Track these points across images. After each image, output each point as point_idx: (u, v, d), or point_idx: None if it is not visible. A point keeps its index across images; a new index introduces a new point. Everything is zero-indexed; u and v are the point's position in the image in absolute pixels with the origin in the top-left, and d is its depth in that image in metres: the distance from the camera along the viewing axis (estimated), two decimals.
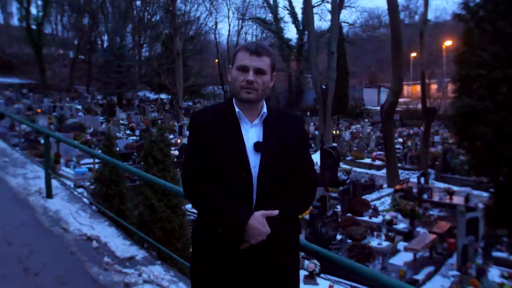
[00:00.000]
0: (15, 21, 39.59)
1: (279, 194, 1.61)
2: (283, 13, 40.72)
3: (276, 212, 1.56)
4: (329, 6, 29.04)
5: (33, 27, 33.22)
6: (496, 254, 7.65)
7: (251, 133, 1.65)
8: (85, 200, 5.49)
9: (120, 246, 3.77)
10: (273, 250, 1.60)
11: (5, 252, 3.52)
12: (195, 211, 1.75)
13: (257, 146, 1.62)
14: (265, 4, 41.38)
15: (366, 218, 9.31)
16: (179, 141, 16.54)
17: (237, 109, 1.67)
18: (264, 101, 1.71)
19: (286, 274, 1.68)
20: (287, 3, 39.34)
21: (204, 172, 1.63)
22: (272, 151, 1.63)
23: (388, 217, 8.96)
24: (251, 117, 1.67)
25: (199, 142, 1.66)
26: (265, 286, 1.63)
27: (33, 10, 34.09)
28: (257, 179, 1.60)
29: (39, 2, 34.28)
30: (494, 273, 6.86)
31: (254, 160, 1.61)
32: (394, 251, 7.84)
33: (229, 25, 64.10)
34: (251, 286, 1.62)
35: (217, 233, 1.60)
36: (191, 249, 1.83)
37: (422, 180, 12.29)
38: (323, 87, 19.77)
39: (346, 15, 38.65)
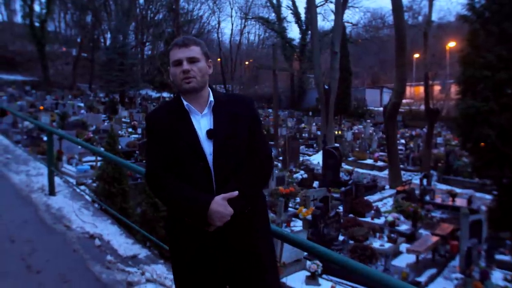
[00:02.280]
0: (18, 18, 39.59)
1: (237, 176, 1.70)
2: (286, 12, 40.74)
3: (235, 193, 1.65)
4: (332, 6, 28.99)
5: (36, 24, 33.19)
6: (499, 257, 7.61)
7: (203, 123, 1.73)
8: (87, 197, 5.47)
9: (123, 244, 3.75)
10: (241, 227, 1.69)
11: (7, 249, 3.50)
12: None
13: (209, 133, 1.70)
14: (268, 4, 41.36)
15: (368, 219, 9.27)
16: None
17: (185, 103, 1.74)
18: (210, 90, 1.80)
19: (259, 250, 1.75)
20: (290, 2, 39.43)
21: (165, 167, 1.72)
22: (224, 136, 1.70)
23: (390, 218, 8.92)
24: (200, 108, 1.75)
25: (156, 140, 1.75)
26: (242, 266, 1.71)
27: (37, 8, 34.06)
28: (213, 165, 1.68)
29: (43, 0, 34.33)
30: (497, 276, 6.82)
31: (208, 147, 1.69)
32: (397, 253, 7.80)
33: (232, 24, 64.16)
34: (228, 268, 1.71)
35: (186, 222, 1.70)
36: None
37: (425, 181, 12.24)
38: (326, 87, 19.75)
39: (349, 15, 38.49)
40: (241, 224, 1.69)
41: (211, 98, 1.77)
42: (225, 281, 1.75)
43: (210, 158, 1.68)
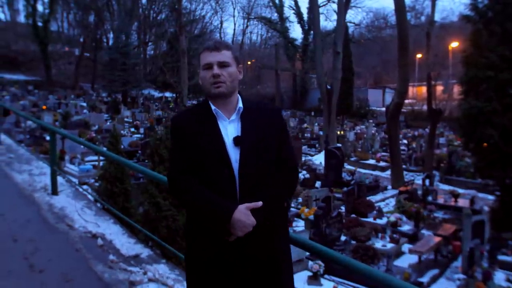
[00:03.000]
0: (21, 18, 39.83)
1: (262, 185, 1.65)
2: (289, 12, 40.93)
3: (260, 203, 1.60)
4: (335, 6, 28.96)
5: (39, 24, 33.29)
6: (501, 257, 7.59)
7: (230, 129, 1.68)
8: (90, 197, 5.48)
9: (125, 244, 3.76)
10: (261, 239, 1.64)
11: (10, 248, 3.51)
12: None
13: (236, 140, 1.65)
14: (270, 4, 41.36)
15: (370, 220, 9.27)
16: None
17: (213, 107, 1.71)
18: (239, 96, 1.76)
19: (277, 263, 1.71)
20: (292, 2, 39.43)
21: (188, 171, 1.68)
22: (251, 144, 1.66)
23: (392, 218, 8.91)
24: (228, 113, 1.71)
25: (181, 144, 1.72)
26: (259, 276, 1.66)
27: (40, 7, 34.23)
28: (238, 173, 1.64)
29: (46, 0, 34.41)
30: (500, 277, 6.81)
31: (234, 154, 1.65)
32: (399, 253, 7.79)
33: (235, 24, 64.24)
34: (245, 277, 1.66)
35: (206, 228, 1.65)
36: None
37: (427, 182, 12.22)
38: (328, 87, 19.73)
39: (352, 15, 38.49)
40: (262, 235, 1.63)
41: (240, 105, 1.73)
42: None
43: (236, 165, 1.64)
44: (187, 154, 1.69)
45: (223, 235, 1.61)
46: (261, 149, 1.67)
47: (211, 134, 1.67)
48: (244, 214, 1.58)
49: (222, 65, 1.69)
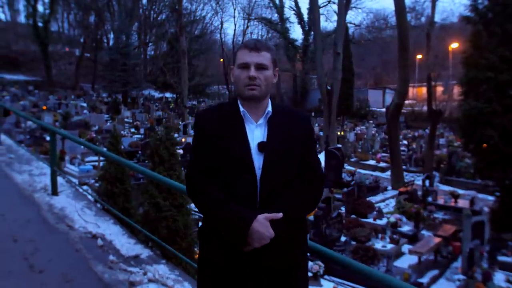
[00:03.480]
0: (22, 19, 39.90)
1: (284, 195, 1.58)
2: (289, 13, 40.76)
3: (280, 215, 1.52)
4: (335, 6, 28.96)
5: (40, 24, 33.34)
6: (501, 258, 7.59)
7: (256, 133, 1.61)
8: (90, 197, 5.49)
9: (125, 244, 3.76)
10: (278, 252, 1.56)
11: (10, 249, 3.51)
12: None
13: (261, 146, 1.58)
14: (271, 4, 41.35)
15: (370, 220, 9.28)
16: (183, 140, 16.56)
17: (241, 109, 1.63)
18: (269, 100, 1.69)
19: (293, 276, 1.64)
20: (293, 3, 39.34)
21: (208, 173, 1.61)
22: (276, 152, 1.59)
23: (392, 219, 8.92)
24: (256, 117, 1.64)
25: (203, 142, 1.64)
26: (275, 286, 1.60)
27: (40, 8, 34.30)
28: (260, 180, 1.56)
29: (46, 0, 34.47)
30: (500, 278, 6.81)
31: (258, 160, 1.57)
32: (399, 254, 7.80)
33: (235, 25, 64.10)
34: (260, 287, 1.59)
35: (221, 234, 1.57)
36: (197, 249, 1.82)
37: (427, 182, 12.22)
38: (328, 88, 19.73)
39: (352, 16, 38.50)
40: (280, 246, 1.55)
41: (269, 108, 1.65)
42: None
43: (258, 172, 1.56)
44: (209, 156, 1.61)
45: (239, 245, 1.53)
46: (286, 157, 1.60)
47: (237, 137, 1.59)
48: (263, 225, 1.49)
49: (260, 67, 1.60)
